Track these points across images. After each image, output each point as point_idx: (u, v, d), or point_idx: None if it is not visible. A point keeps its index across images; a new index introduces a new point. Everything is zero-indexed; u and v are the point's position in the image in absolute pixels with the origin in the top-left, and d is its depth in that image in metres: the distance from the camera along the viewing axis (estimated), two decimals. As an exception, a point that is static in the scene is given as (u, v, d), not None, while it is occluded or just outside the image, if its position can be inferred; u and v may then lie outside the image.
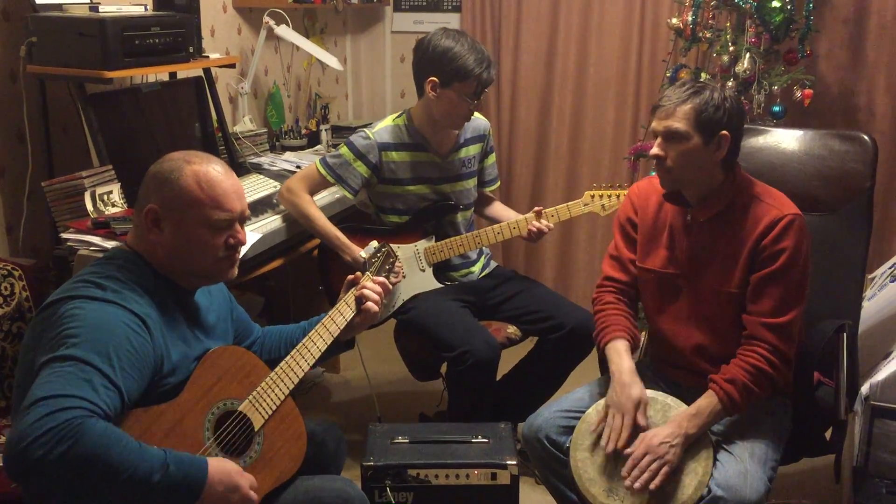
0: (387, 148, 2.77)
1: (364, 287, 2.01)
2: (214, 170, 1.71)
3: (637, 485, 1.93)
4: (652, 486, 1.92)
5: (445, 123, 2.76)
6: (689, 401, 2.06)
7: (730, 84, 3.24)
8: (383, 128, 2.80)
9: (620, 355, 2.11)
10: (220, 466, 1.55)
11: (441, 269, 2.87)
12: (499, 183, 3.09)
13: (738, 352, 2.01)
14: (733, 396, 1.95)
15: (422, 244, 2.83)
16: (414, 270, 2.81)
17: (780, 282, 1.99)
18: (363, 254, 2.64)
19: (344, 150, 2.77)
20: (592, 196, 2.74)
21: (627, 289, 2.26)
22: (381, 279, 2.06)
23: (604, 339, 2.18)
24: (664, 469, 1.92)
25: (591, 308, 2.33)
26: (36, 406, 1.38)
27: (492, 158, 3.01)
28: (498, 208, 3.03)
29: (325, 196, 2.94)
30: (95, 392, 1.44)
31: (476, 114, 2.92)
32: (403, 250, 2.80)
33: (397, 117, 2.83)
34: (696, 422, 1.96)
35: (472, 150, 2.91)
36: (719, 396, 1.96)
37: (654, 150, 2.03)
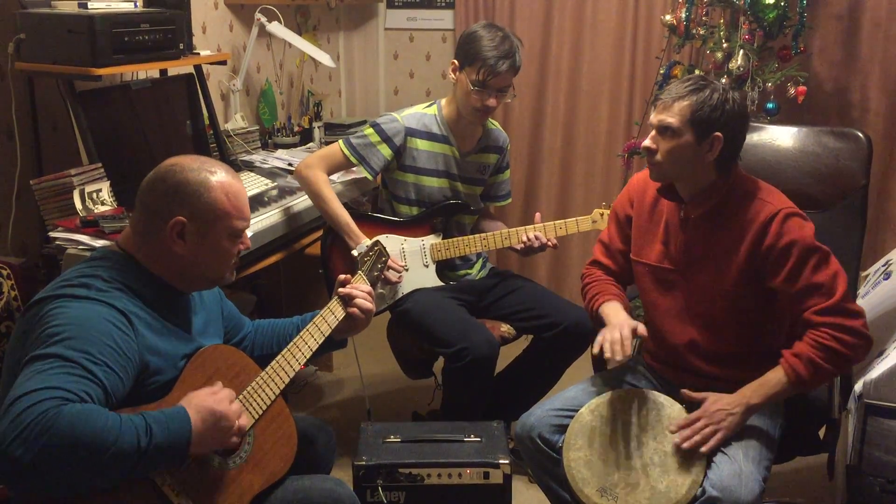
0: (413, 134, 2.77)
1: (353, 288, 2.00)
2: (234, 179, 1.73)
3: (686, 444, 1.93)
4: (703, 449, 1.92)
5: (463, 112, 2.75)
6: (675, 395, 2.05)
7: (723, 81, 3.23)
8: (412, 114, 2.80)
9: (616, 310, 2.15)
10: (197, 404, 1.53)
11: (441, 268, 2.86)
12: (510, 200, 3.08)
13: (806, 332, 1.99)
14: (798, 370, 1.94)
15: (429, 239, 2.82)
16: (418, 265, 2.80)
17: (806, 271, 1.96)
18: (355, 252, 2.64)
19: (369, 131, 2.77)
20: (602, 214, 2.73)
21: (613, 275, 2.29)
22: (368, 287, 2.04)
23: (597, 302, 2.21)
24: (718, 436, 1.93)
25: (581, 289, 2.34)
26: (13, 405, 1.37)
27: (506, 174, 3.01)
28: (499, 227, 2.95)
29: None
30: (73, 383, 1.42)
31: (497, 125, 2.94)
32: (410, 243, 2.79)
33: (428, 107, 2.83)
34: (760, 392, 1.96)
35: (490, 158, 2.91)
36: (785, 370, 1.95)
37: (646, 143, 2.03)
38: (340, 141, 2.80)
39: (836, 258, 1.99)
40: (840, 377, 2.18)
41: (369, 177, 2.79)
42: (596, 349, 2.06)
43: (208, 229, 1.69)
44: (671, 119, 1.97)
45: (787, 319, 2.07)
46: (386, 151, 2.75)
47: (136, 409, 1.53)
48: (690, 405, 2.01)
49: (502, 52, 2.62)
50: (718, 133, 1.97)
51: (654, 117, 2.02)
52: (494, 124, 2.92)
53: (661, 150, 2.01)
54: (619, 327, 2.04)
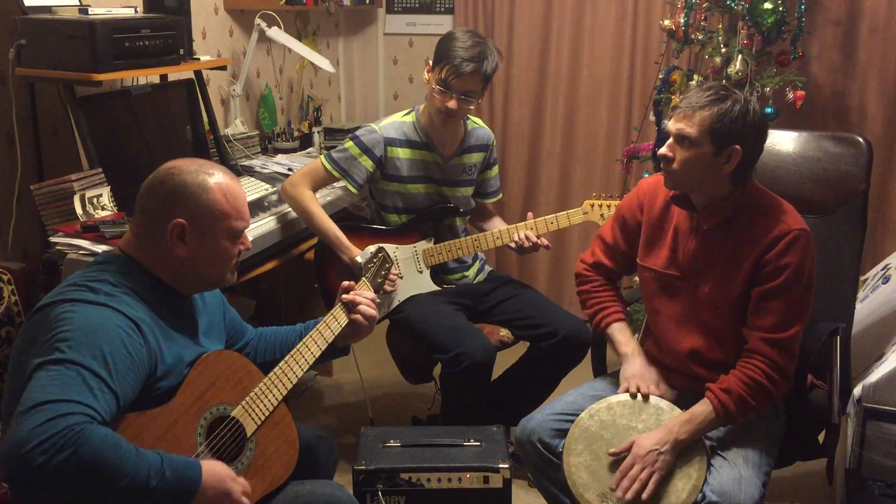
0: (392, 143, 2.77)
1: (357, 294, 2.00)
2: (232, 180, 1.74)
3: (628, 496, 1.92)
4: (644, 496, 1.91)
5: (431, 113, 2.75)
6: (680, 403, 2.05)
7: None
8: (390, 123, 2.80)
9: (628, 337, 2.22)
10: (213, 471, 1.55)
11: (436, 272, 2.86)
12: (500, 196, 3.08)
13: (737, 363, 2.00)
14: (728, 406, 1.94)
15: (421, 245, 2.82)
16: (412, 271, 2.80)
17: (782, 297, 1.97)
18: (359, 259, 2.64)
19: (349, 144, 2.77)
20: (592, 205, 2.73)
21: (613, 275, 2.31)
22: (372, 294, 2.04)
23: (604, 320, 2.25)
24: (654, 477, 1.92)
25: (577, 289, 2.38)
26: (35, 410, 1.38)
27: (494, 170, 3.00)
28: (497, 223, 2.99)
29: (319, 197, 2.93)
30: (94, 397, 1.43)
31: (481, 123, 2.93)
32: (402, 251, 2.79)
33: (406, 114, 2.83)
34: (688, 428, 1.95)
35: (475, 157, 2.90)
36: (714, 405, 1.95)
37: (663, 150, 2.02)
38: (322, 156, 2.79)
39: (811, 297, 2.02)
40: (840, 380, 2.18)
41: (354, 190, 2.78)
42: (623, 389, 2.12)
43: (208, 230, 1.69)
44: (690, 129, 1.95)
45: None
46: (367, 163, 2.75)
47: (141, 412, 1.53)
48: (690, 408, 2.02)
49: (470, 55, 2.60)
50: (737, 146, 1.95)
51: (672, 125, 2.00)
52: (477, 122, 2.92)
53: (678, 159, 1.99)
54: (648, 384, 2.11)
